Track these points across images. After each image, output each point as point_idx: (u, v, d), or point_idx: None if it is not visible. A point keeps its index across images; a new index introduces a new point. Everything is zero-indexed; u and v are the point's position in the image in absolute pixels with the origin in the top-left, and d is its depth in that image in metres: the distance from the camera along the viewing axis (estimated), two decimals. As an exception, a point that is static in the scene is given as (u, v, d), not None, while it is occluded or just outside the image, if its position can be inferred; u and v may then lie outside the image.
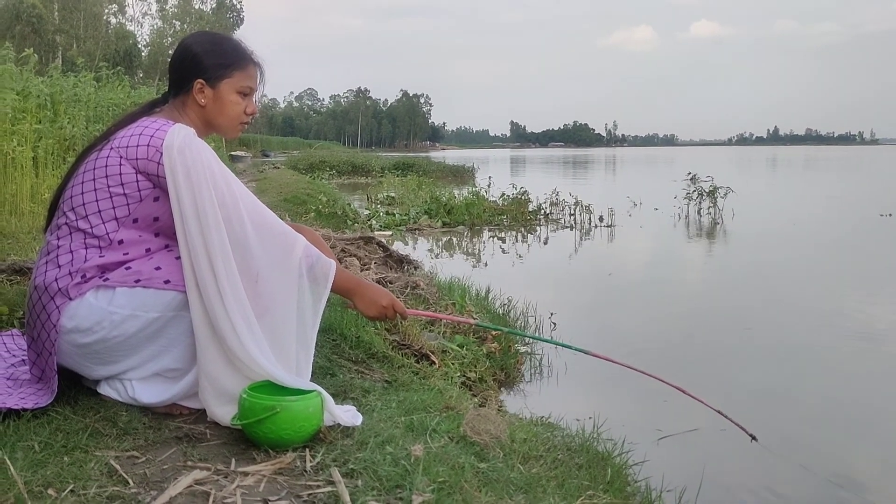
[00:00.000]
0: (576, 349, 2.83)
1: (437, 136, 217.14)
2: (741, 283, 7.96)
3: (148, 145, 2.12)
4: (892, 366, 4.94)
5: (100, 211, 2.14)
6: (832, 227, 12.77)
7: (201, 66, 2.27)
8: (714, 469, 3.16)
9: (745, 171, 37.73)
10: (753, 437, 2.73)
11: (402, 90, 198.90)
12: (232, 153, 33.98)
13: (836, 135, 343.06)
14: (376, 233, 9.51)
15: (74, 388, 2.25)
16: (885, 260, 9.39)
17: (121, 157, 2.14)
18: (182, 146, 2.10)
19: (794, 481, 3.21)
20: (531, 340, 4.87)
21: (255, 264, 2.13)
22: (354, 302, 2.39)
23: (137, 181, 2.14)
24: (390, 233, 10.56)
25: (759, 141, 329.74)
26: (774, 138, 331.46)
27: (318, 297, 2.23)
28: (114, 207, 2.14)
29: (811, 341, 5.49)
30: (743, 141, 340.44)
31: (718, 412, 2.77)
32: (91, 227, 2.14)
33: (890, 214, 13.29)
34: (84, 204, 2.15)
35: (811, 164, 51.01)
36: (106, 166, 2.15)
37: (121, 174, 2.13)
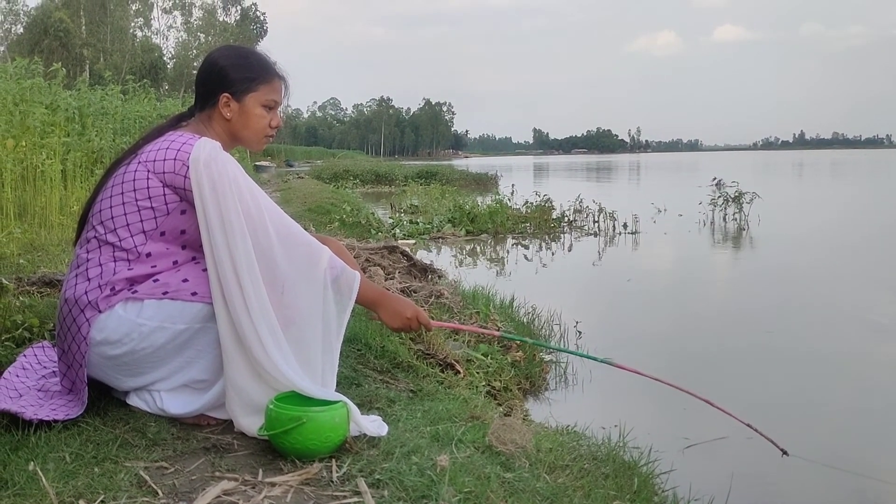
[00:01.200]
0: (601, 360, 2.82)
1: (459, 143, 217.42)
2: (767, 289, 7.88)
3: (175, 159, 2.15)
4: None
5: (128, 224, 2.17)
6: (858, 232, 12.61)
7: (227, 79, 2.30)
8: (742, 478, 3.13)
9: (771, 175, 37.40)
10: (785, 452, 2.68)
11: (424, 98, 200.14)
12: (256, 163, 34.22)
13: (862, 138, 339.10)
14: (400, 242, 9.53)
15: (104, 399, 2.28)
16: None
17: (148, 171, 2.17)
18: (208, 159, 2.12)
19: (825, 491, 3.17)
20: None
21: (281, 275, 2.14)
22: (379, 313, 2.40)
23: (164, 195, 2.17)
24: (414, 241, 10.58)
25: (785, 145, 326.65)
26: (800, 142, 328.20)
27: (342, 308, 2.24)
28: (142, 221, 2.17)
29: (838, 348, 5.43)
30: (768, 145, 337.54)
31: (748, 425, 2.73)
32: (120, 241, 2.17)
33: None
34: (112, 218, 2.18)
35: (838, 168, 50.46)
36: (134, 180, 2.18)
37: (148, 188, 2.16)
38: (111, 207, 2.19)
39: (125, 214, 2.17)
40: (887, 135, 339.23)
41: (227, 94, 2.30)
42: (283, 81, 2.40)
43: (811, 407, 4.24)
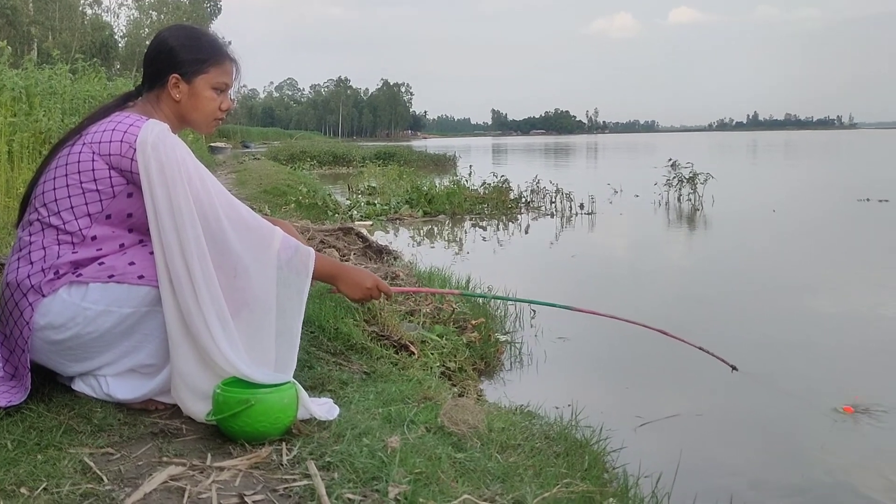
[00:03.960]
0: (561, 307, 2.81)
1: (418, 124, 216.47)
2: (719, 268, 8.02)
3: (121, 141, 2.10)
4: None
5: (72, 207, 2.12)
6: (810, 212, 12.85)
7: (177, 60, 2.25)
8: (690, 454, 3.18)
9: (725, 156, 37.92)
10: (734, 368, 2.86)
11: (382, 79, 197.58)
12: (211, 144, 33.67)
13: (815, 119, 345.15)
14: (357, 223, 9.48)
15: (48, 385, 2.23)
16: (861, 243, 9.48)
17: (93, 153, 2.12)
18: (156, 142, 2.08)
19: (769, 462, 3.24)
20: (511, 328, 4.90)
21: (233, 259, 2.11)
22: (339, 286, 2.36)
23: (110, 177, 2.12)
24: (371, 223, 10.54)
25: (739, 126, 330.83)
26: (754, 123, 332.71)
27: (300, 287, 2.21)
28: (86, 203, 2.12)
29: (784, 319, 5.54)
30: (723, 126, 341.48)
31: (700, 348, 2.91)
32: (63, 224, 2.12)
33: (867, 199, 13.41)
34: (56, 200, 2.13)
35: (790, 148, 51.35)
36: (78, 161, 2.12)
37: (93, 170, 2.11)
38: (55, 189, 2.14)
39: (69, 197, 2.12)
40: (838, 116, 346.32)
41: (176, 75, 2.25)
42: (234, 64, 2.35)
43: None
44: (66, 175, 2.13)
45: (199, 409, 2.09)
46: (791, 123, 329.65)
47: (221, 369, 2.07)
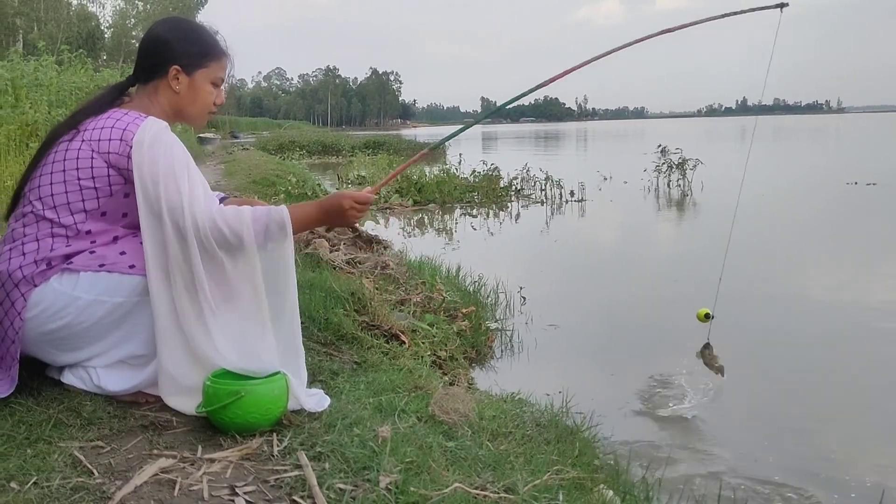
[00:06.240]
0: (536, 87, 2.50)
1: (407, 113, 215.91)
2: (706, 254, 8.05)
3: (120, 140, 2.10)
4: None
5: (69, 203, 2.12)
6: (799, 196, 12.92)
7: (178, 52, 2.25)
8: (680, 440, 3.20)
9: (715, 142, 37.95)
10: None
11: (371, 68, 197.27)
12: (200, 135, 33.46)
13: (803, 104, 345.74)
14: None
15: (37, 378, 2.22)
16: (848, 225, 9.53)
17: (93, 151, 2.12)
18: (152, 142, 2.08)
19: (759, 447, 3.26)
20: (501, 317, 4.93)
21: (219, 255, 2.10)
22: (325, 226, 2.32)
23: (109, 175, 2.12)
24: (361, 212, 10.50)
25: (728, 112, 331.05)
26: (743, 109, 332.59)
27: (283, 252, 2.16)
28: (83, 200, 2.12)
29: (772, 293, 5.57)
30: (712, 112, 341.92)
31: None
32: (59, 217, 2.12)
33: (855, 182, 13.46)
34: (52, 195, 2.12)
35: (779, 133, 51.42)
36: (77, 158, 2.12)
37: (92, 167, 2.11)
38: (51, 184, 2.13)
39: (66, 192, 2.12)
40: (826, 100, 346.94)
41: (177, 67, 2.24)
42: (229, 59, 2.36)
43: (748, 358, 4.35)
44: (65, 171, 2.13)
45: (187, 401, 2.09)
46: (780, 108, 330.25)
47: (212, 362, 2.06)
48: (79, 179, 2.11)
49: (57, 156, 2.16)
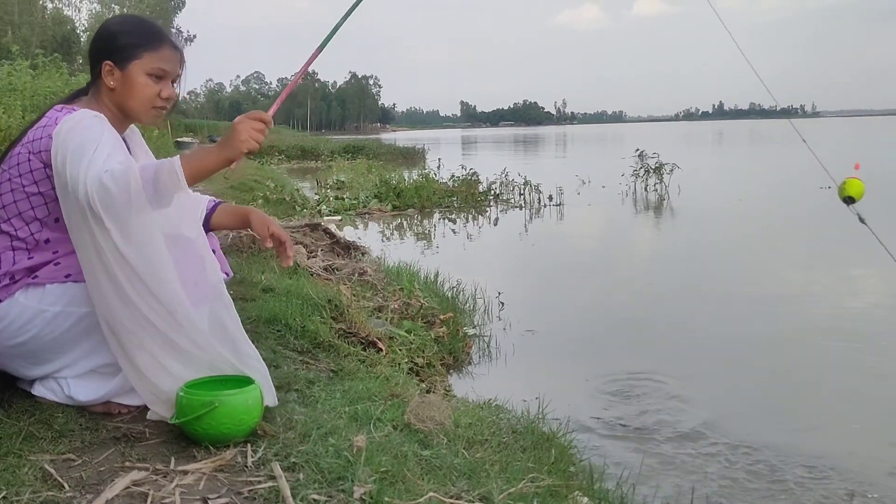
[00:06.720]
0: None
1: (387, 117, 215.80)
2: (682, 259, 8.11)
3: (50, 136, 2.01)
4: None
5: (20, 213, 2.07)
6: (773, 200, 13.02)
7: (110, 48, 2.16)
8: (656, 448, 3.22)
9: (691, 146, 38.27)
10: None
11: (350, 72, 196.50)
12: (178, 139, 33.22)
13: (778, 108, 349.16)
14: (326, 218, 9.44)
15: (8, 391, 2.19)
16: (819, 230, 9.63)
17: (29, 152, 2.05)
18: (71, 126, 1.99)
19: (734, 455, 3.28)
20: (479, 322, 4.93)
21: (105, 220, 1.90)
22: (229, 155, 1.96)
23: (48, 176, 2.03)
24: (339, 218, 10.50)
25: (705, 116, 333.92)
26: (720, 113, 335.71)
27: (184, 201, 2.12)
28: (33, 208, 2.07)
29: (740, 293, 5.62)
30: (689, 116, 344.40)
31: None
32: (15, 230, 2.07)
33: (829, 187, 13.54)
34: (3, 206, 2.08)
35: (755, 137, 51.88)
36: (18, 164, 2.06)
37: (31, 171, 2.04)
38: (0, 195, 2.09)
39: (14, 202, 2.07)
40: (801, 105, 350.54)
41: (109, 63, 2.15)
42: (175, 51, 2.23)
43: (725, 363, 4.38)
44: (10, 180, 2.07)
45: (165, 410, 2.06)
46: (755, 112, 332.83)
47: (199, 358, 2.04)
48: (23, 186, 2.05)
49: (5, 164, 2.09)
